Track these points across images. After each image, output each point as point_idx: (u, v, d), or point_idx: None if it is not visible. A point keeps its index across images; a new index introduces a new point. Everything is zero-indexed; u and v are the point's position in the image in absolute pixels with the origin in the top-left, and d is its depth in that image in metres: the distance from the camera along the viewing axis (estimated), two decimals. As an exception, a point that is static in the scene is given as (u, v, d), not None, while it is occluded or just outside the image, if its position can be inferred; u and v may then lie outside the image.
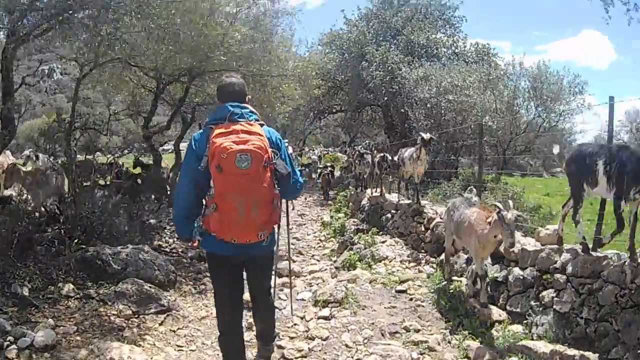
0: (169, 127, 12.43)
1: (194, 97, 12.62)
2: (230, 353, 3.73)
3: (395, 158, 10.68)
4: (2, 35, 6.99)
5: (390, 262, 8.30)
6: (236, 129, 3.26)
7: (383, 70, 18.48)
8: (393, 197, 11.59)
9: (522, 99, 16.49)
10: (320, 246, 10.60)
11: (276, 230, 3.66)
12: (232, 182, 3.16)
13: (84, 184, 8.00)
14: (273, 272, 4.25)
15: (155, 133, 12.57)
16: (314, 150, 35.94)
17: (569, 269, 4.73)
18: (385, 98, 19.01)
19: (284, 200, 3.75)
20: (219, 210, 3.23)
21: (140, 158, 14.78)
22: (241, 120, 3.35)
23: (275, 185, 3.36)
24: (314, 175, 24.63)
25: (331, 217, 12.94)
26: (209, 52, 9.19)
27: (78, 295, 5.82)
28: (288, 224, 5.21)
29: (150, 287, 6.10)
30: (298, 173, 3.63)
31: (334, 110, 26.37)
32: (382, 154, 11.21)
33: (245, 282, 3.79)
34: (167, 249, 9.32)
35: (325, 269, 8.53)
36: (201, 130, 3.52)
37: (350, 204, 14.21)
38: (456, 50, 21.92)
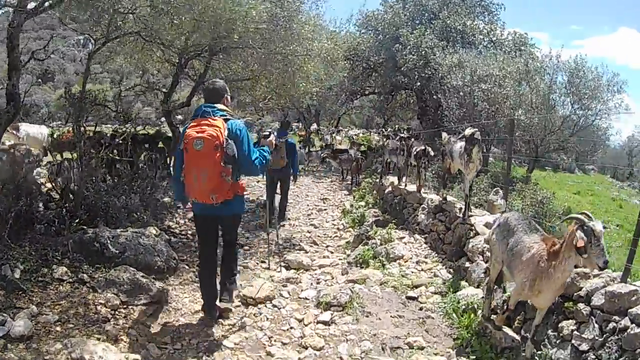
0: (189, 103, 12.09)
1: (219, 72, 12.25)
2: (204, 279, 5.40)
3: (445, 148, 9.45)
4: (9, 9, 6.73)
5: (405, 262, 7.84)
6: (201, 123, 4.74)
7: (417, 54, 17.89)
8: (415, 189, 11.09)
9: (559, 94, 15.63)
10: (336, 236, 10.17)
11: (239, 197, 5.09)
12: (190, 158, 4.69)
13: (92, 159, 7.67)
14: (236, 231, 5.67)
15: (175, 109, 12.25)
16: (330, 131, 35.17)
17: (595, 300, 4.08)
18: (418, 83, 18.36)
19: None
20: (185, 178, 4.82)
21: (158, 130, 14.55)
22: (208, 116, 4.80)
23: (225, 163, 4.63)
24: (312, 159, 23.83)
25: (351, 205, 12.47)
26: (229, 29, 8.80)
27: (71, 280, 5.55)
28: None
29: (142, 276, 5.77)
30: (254, 155, 4.88)
31: (367, 92, 25.71)
32: (422, 147, 10.22)
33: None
34: (177, 230, 9.05)
35: (337, 264, 8.10)
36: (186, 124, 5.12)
37: (374, 191, 13.73)
38: (493, 39, 21.12)
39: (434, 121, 19.80)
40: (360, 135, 39.60)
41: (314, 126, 30.10)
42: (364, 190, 14.47)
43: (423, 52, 17.50)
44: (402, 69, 18.72)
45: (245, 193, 5.33)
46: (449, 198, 9.41)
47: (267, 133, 5.67)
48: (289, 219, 11.49)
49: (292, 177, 10.83)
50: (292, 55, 10.15)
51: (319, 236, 10.11)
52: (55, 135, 13.06)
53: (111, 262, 6.06)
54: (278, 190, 10.66)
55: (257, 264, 7.98)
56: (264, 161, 5.03)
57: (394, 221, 10.37)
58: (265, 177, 10.29)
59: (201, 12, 7.98)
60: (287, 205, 11.62)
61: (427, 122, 22.13)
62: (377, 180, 14.12)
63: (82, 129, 7.57)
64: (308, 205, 13.49)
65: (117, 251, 6.24)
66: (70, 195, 7.13)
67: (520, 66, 14.63)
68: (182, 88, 14.85)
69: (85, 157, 7.53)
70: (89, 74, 8.38)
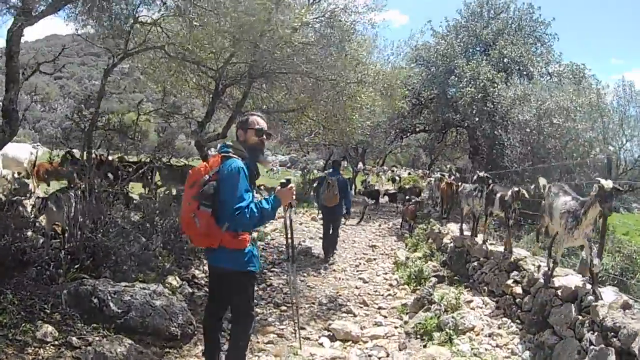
0: (225, 134, 11.03)
1: (259, 102, 11.26)
2: (205, 348, 4.52)
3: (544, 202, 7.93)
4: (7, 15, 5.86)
5: (477, 335, 6.38)
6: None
7: (474, 86, 16.48)
8: (481, 240, 9.63)
9: (631, 128, 13.90)
10: (390, 294, 8.74)
11: (237, 252, 4.07)
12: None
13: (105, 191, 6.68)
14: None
15: (210, 141, 11.23)
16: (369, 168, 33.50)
17: None
18: (476, 118, 16.94)
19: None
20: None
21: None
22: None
23: (202, 204, 3.85)
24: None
25: (407, 257, 11.04)
26: (273, 50, 7.74)
27: (56, 342, 4.46)
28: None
29: (143, 351, 4.58)
30: (241, 203, 3.79)
31: (417, 130, 24.39)
32: (516, 189, 7.91)
33: None
34: (203, 281, 7.84)
35: (392, 334, 6.66)
36: None
37: (430, 240, 12.28)
38: (550, 70, 19.62)
39: (488, 160, 18.34)
40: (406, 174, 38.20)
41: (360, 165, 28.80)
42: (417, 238, 13.02)
43: (481, 85, 16.13)
44: (458, 102, 17.31)
45: (247, 248, 4.13)
46: (518, 250, 8.06)
47: (285, 181, 4.32)
48: (334, 270, 10.19)
49: (345, 214, 11.25)
50: (345, 82, 8.96)
51: (369, 294, 8.71)
52: (47, 158, 11.19)
53: (111, 322, 5.07)
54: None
55: (295, 330, 6.68)
56: (258, 215, 3.87)
57: (455, 277, 8.99)
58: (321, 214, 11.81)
59: (239, 27, 6.86)
60: (334, 254, 11.37)
61: (479, 161, 20.66)
62: (434, 227, 12.64)
63: (93, 156, 6.62)
64: (355, 254, 12.09)
65: (119, 310, 5.20)
66: (72, 235, 6.05)
67: (593, 98, 13.07)
68: (221, 119, 13.80)
69: (95, 189, 6.55)
70: (103, 93, 7.47)
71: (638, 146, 13.09)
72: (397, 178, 29.87)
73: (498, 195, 8.42)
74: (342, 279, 9.54)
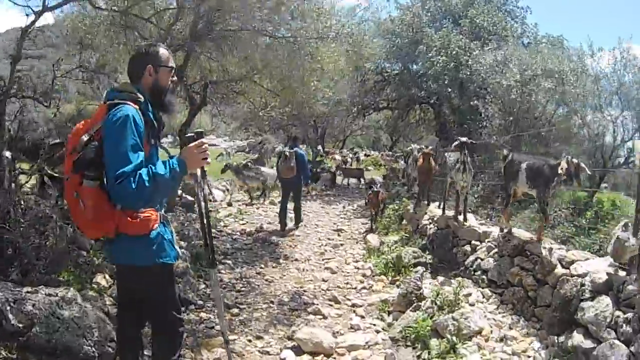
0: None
1: (206, 72, 9.53)
2: None
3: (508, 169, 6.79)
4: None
5: (486, 340, 4.93)
6: None
7: (445, 55, 14.99)
8: (473, 221, 8.25)
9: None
10: (364, 287, 7.23)
11: (139, 240, 2.81)
12: None
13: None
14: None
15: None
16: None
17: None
18: (448, 89, 15.47)
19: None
20: None
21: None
22: None
23: (83, 176, 2.64)
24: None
25: (381, 242, 9.53)
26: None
27: None
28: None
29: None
30: (124, 167, 2.52)
31: (381, 107, 22.86)
32: (574, 159, 5.60)
33: None
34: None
35: (375, 343, 5.14)
36: None
37: (404, 221, 10.79)
38: (525, 41, 18.45)
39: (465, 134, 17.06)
40: (368, 155, 36.96)
41: (319, 148, 27.07)
42: (388, 220, 11.54)
43: (453, 53, 14.69)
44: (429, 73, 15.72)
45: (155, 231, 2.86)
46: (517, 231, 6.71)
47: (193, 134, 2.87)
48: (296, 259, 8.61)
49: (303, 185, 11.53)
50: (303, 37, 7.28)
51: (339, 287, 7.19)
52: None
53: (13, 339, 3.75)
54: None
55: (251, 340, 5.10)
56: (149, 184, 2.57)
57: (441, 264, 7.64)
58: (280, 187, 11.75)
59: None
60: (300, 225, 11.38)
61: (445, 139, 19.46)
62: (407, 207, 11.15)
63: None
64: (319, 239, 10.53)
65: (20, 325, 3.79)
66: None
67: (585, 62, 11.80)
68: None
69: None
70: (20, 56, 5.74)
71: (637, 114, 11.84)
72: (358, 158, 28.52)
73: (524, 166, 6.36)
74: (306, 270, 7.99)
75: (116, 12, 7.46)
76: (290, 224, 11.14)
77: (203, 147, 2.76)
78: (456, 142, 8.05)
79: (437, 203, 10.07)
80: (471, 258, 7.41)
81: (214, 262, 3.39)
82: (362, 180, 21.18)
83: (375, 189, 10.71)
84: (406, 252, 8.11)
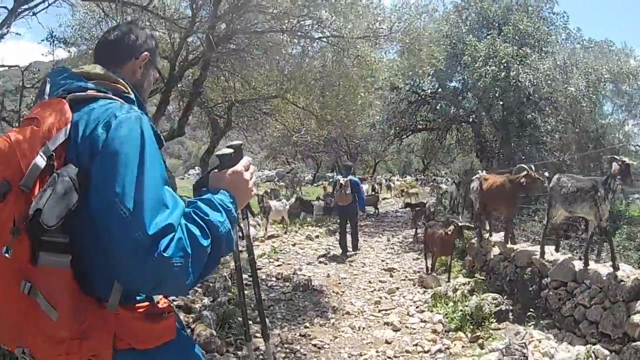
0: (183, 131, 7.99)
1: (227, 90, 8.31)
2: None
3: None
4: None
5: None
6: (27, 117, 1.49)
7: (494, 64, 13.45)
8: (559, 256, 6.70)
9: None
10: (440, 350, 5.67)
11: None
12: None
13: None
14: None
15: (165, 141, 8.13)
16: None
17: None
18: (501, 102, 13.91)
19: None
20: None
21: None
22: (41, 99, 1.53)
23: (45, 248, 1.29)
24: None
25: (448, 283, 7.96)
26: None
27: None
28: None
29: None
30: (169, 217, 1.29)
31: (419, 128, 21.35)
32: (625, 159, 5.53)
33: None
34: None
35: None
36: None
37: (468, 257, 9.19)
38: (570, 46, 16.88)
39: (505, 156, 15.62)
40: (406, 182, 35.42)
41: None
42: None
43: (503, 61, 13.14)
44: (478, 84, 14.06)
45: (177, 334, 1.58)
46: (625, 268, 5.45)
47: (230, 150, 1.66)
48: (348, 312, 7.09)
49: (359, 211, 11.83)
50: (348, 36, 5.89)
51: (408, 352, 5.66)
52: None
53: None
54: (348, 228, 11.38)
55: None
56: (204, 243, 1.33)
57: (529, 312, 6.10)
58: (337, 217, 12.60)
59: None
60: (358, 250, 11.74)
61: (488, 159, 17.96)
62: (472, 241, 9.54)
63: None
64: (370, 282, 8.98)
65: None
66: None
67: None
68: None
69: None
70: None
71: None
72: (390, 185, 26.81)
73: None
74: (363, 329, 6.46)
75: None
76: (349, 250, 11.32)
77: (251, 169, 1.68)
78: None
79: (501, 234, 8.52)
80: (569, 305, 5.87)
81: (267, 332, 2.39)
82: (377, 209, 19.80)
83: (455, 225, 7.77)
84: (484, 299, 6.55)
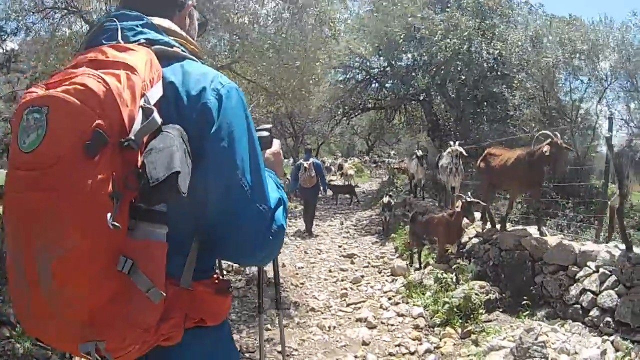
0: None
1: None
2: None
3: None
4: None
5: None
6: (80, 61, 1.18)
7: (455, 37, 12.57)
8: (554, 239, 5.93)
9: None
10: (429, 350, 4.77)
11: (212, 333, 1.30)
12: (8, 188, 1.09)
13: None
14: None
15: None
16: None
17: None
18: (463, 77, 13.09)
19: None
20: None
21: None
22: (109, 42, 1.24)
23: (134, 216, 1.08)
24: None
25: (417, 266, 7.09)
26: None
27: None
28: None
29: None
30: (271, 195, 1.30)
31: (369, 106, 20.42)
32: None
33: None
34: None
35: None
36: None
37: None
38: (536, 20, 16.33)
39: (460, 134, 15.00)
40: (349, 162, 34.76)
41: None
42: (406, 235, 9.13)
43: (465, 34, 12.28)
44: (438, 57, 13.09)
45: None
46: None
47: (267, 131, 1.59)
48: (313, 309, 6.05)
49: (322, 192, 12.04)
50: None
51: (392, 355, 4.72)
52: None
53: None
54: None
55: None
56: (285, 210, 1.34)
57: (522, 301, 5.29)
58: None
59: None
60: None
61: (438, 138, 17.34)
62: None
63: None
64: (330, 271, 8.01)
65: None
66: None
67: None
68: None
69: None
70: None
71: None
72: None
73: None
74: (332, 328, 5.46)
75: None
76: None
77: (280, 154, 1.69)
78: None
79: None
80: (573, 292, 5.08)
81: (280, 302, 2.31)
82: (354, 197, 18.60)
83: (464, 201, 6.35)
84: (470, 286, 5.69)
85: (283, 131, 21.63)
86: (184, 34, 1.41)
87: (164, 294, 1.09)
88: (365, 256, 9.13)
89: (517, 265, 6.04)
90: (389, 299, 6.45)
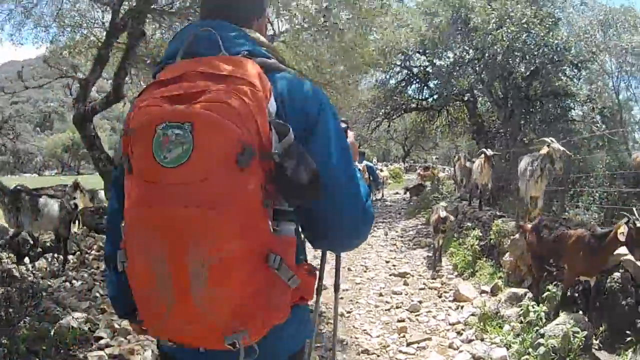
0: (121, 95, 5.89)
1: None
2: None
3: None
4: None
5: None
6: (187, 73, 1.24)
7: (512, 24, 11.23)
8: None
9: None
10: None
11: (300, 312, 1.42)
12: (140, 200, 1.19)
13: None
14: None
15: (98, 111, 6.14)
16: None
17: None
18: (522, 70, 11.76)
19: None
20: (128, 271, 1.29)
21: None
22: (209, 52, 1.31)
23: (272, 216, 1.23)
24: None
25: (486, 291, 5.90)
26: None
27: None
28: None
29: None
30: (362, 186, 1.43)
31: (412, 107, 19.16)
32: None
33: None
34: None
35: None
36: None
37: (507, 256, 7.04)
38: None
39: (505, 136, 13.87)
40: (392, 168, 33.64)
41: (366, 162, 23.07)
42: (469, 252, 7.93)
43: (523, 21, 10.96)
44: (494, 47, 11.70)
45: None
46: None
47: (344, 126, 1.58)
48: (365, 351, 4.90)
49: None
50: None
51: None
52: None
53: None
54: None
55: None
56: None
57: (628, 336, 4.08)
58: None
59: None
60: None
61: (483, 141, 16.12)
62: (513, 235, 7.43)
63: None
64: (382, 296, 6.86)
65: None
66: None
67: None
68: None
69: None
70: None
71: None
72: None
73: None
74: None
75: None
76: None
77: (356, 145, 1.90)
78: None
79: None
80: None
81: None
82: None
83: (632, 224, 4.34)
84: (566, 322, 4.47)
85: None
86: (270, 43, 1.52)
87: (300, 280, 1.24)
88: (420, 275, 7.95)
89: (616, 290, 4.80)
90: (458, 333, 5.28)
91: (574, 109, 11.01)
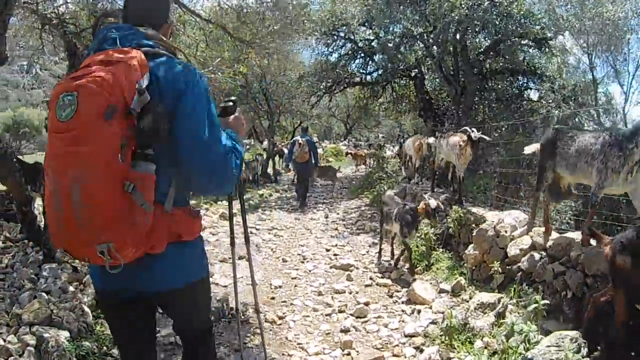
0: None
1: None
2: None
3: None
4: None
5: None
6: (93, 60, 1.84)
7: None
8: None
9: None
10: None
11: (189, 247, 2.01)
12: (50, 145, 1.80)
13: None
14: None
15: None
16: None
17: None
18: (482, 41, 10.69)
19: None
20: (45, 198, 2.52)
21: None
22: (111, 48, 1.90)
23: (134, 157, 1.76)
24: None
25: (445, 291, 4.90)
26: None
27: None
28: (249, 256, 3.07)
29: None
30: (223, 142, 1.95)
31: (355, 81, 17.99)
32: None
33: None
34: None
35: None
36: None
37: (470, 249, 6.00)
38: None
39: (456, 114, 13.06)
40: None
41: (274, 141, 21.60)
42: (425, 243, 6.88)
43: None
44: (454, 15, 10.62)
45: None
46: None
47: (230, 102, 2.31)
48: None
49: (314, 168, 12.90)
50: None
51: None
52: None
53: None
54: None
55: None
56: (240, 160, 2.06)
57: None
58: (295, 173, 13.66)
59: None
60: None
61: (431, 119, 15.35)
62: (468, 215, 6.41)
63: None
64: (321, 295, 5.72)
65: None
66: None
67: None
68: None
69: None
70: None
71: None
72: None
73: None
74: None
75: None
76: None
77: (242, 120, 2.36)
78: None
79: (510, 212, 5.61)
80: None
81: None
82: (334, 182, 16.61)
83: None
84: (557, 344, 3.45)
85: (257, 109, 19.19)
86: (163, 37, 2.07)
87: (152, 207, 1.76)
88: (365, 267, 6.86)
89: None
90: (418, 349, 4.18)
91: (532, 89, 10.19)
